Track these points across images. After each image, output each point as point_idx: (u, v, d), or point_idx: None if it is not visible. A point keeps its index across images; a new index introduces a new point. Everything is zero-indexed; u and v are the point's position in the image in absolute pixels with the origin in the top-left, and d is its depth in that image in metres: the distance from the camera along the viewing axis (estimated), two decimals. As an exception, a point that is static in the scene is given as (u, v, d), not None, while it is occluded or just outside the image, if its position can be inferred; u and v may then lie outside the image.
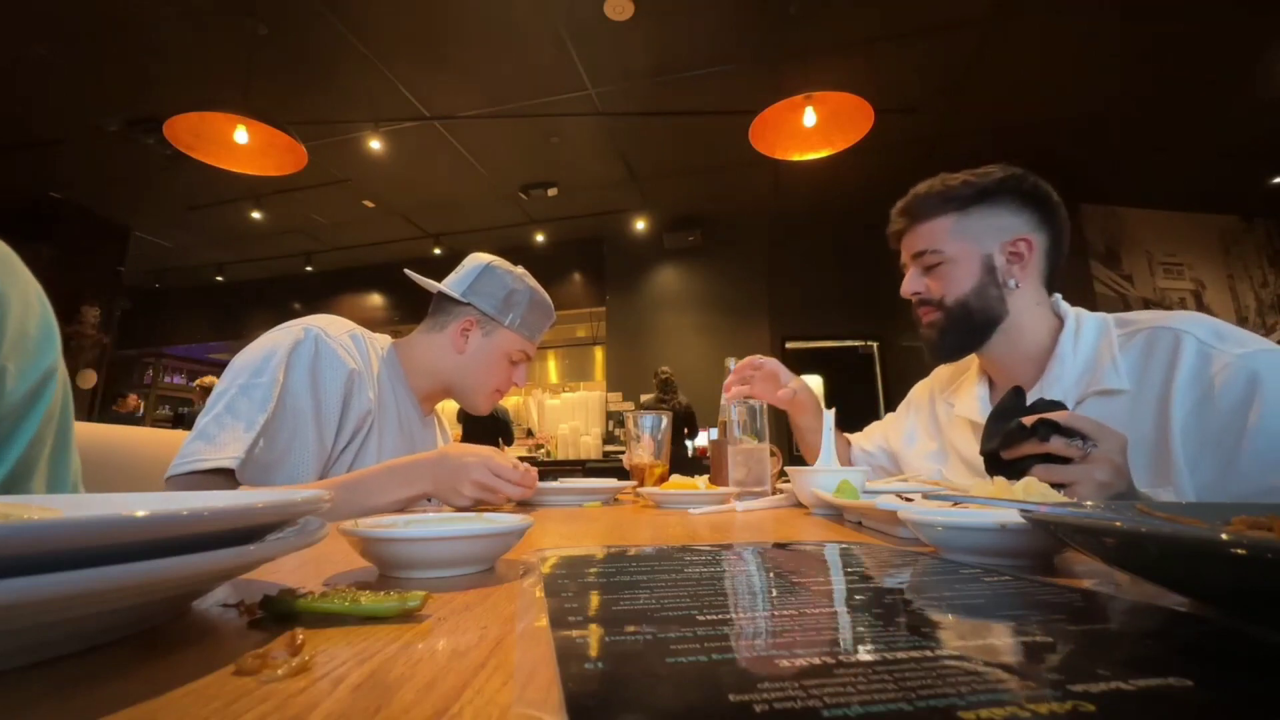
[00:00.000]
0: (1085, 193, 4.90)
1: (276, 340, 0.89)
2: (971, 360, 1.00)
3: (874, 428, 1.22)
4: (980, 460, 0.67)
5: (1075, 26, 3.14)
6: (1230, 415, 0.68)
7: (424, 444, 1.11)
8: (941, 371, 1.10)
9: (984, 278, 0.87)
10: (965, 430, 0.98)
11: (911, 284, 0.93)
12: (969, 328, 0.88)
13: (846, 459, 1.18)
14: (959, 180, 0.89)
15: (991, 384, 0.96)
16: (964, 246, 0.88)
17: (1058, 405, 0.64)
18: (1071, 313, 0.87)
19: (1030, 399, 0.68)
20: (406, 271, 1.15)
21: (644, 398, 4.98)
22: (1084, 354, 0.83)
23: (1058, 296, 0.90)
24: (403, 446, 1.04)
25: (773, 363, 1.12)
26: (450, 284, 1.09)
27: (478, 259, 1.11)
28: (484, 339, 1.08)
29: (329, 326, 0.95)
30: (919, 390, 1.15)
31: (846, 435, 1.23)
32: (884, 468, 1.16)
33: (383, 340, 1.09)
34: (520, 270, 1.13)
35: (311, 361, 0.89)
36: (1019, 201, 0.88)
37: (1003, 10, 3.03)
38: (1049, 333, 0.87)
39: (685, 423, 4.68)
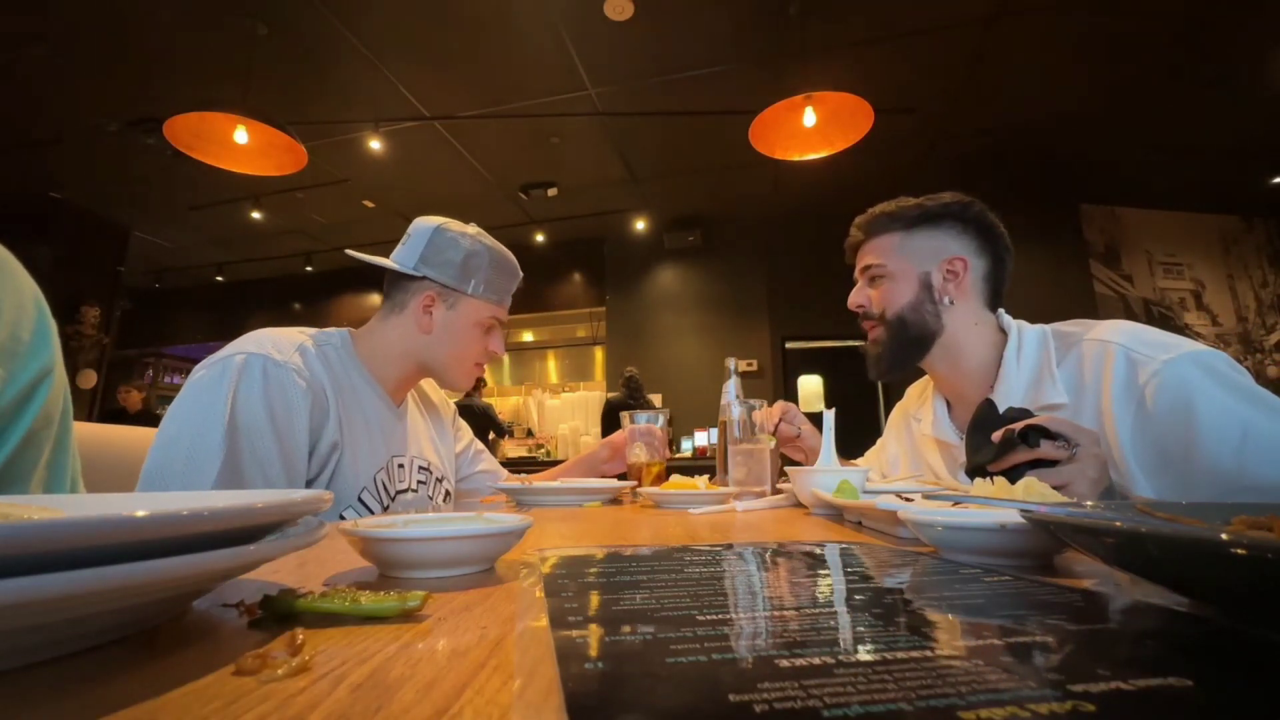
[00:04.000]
0: (1085, 193, 4.89)
1: (213, 383, 0.79)
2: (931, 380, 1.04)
3: (869, 456, 1.24)
4: (951, 475, 0.67)
5: (1074, 26, 3.14)
6: (1170, 427, 0.70)
7: (399, 440, 1.03)
8: (911, 391, 1.15)
9: (921, 294, 0.93)
10: (933, 447, 1.01)
11: (856, 296, 0.99)
12: (904, 341, 0.93)
13: None
14: (911, 203, 0.96)
15: (949, 403, 0.99)
16: (905, 263, 0.94)
17: (1026, 413, 0.66)
18: (1014, 327, 0.90)
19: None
20: (349, 251, 1.05)
21: (610, 396, 4.91)
22: (1027, 369, 0.86)
23: (1001, 312, 0.94)
24: (379, 449, 0.97)
25: (792, 409, 1.16)
26: (399, 257, 0.99)
27: (425, 223, 1.00)
28: (449, 312, 0.99)
29: (274, 350, 0.84)
30: (895, 414, 1.18)
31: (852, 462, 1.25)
32: None
33: (335, 335, 0.98)
34: (474, 229, 1.03)
35: (263, 396, 0.80)
36: (960, 226, 0.94)
37: (1003, 10, 3.03)
38: (992, 348, 0.91)
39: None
